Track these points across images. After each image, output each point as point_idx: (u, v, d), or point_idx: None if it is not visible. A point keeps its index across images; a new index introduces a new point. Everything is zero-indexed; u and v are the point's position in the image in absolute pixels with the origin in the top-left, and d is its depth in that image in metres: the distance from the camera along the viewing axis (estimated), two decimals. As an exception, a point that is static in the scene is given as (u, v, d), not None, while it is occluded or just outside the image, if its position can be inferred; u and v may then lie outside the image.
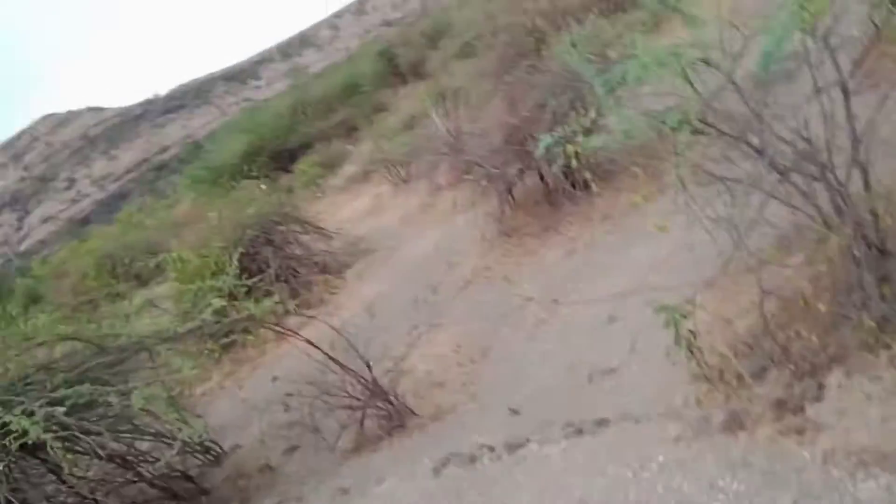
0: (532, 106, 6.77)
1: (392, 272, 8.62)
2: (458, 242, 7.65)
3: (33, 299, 27.33)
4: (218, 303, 4.37)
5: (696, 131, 3.19)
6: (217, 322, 4.49)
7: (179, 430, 4.28)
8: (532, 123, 6.55)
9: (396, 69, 31.35)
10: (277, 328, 4.80)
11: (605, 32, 8.00)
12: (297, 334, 5.04)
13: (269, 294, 8.72)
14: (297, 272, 9.35)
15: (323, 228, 10.51)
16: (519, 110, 6.78)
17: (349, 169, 16.84)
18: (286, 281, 9.19)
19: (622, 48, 6.38)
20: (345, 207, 13.75)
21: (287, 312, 8.95)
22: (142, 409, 3.96)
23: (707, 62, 3.20)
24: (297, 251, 10.01)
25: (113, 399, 4.07)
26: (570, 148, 3.17)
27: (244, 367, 8.31)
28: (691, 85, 3.43)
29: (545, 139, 3.46)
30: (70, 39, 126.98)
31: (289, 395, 4.69)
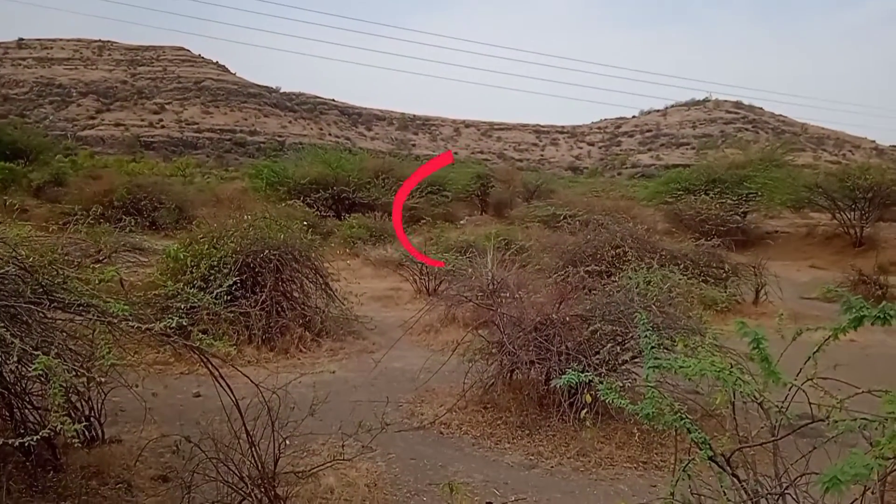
0: (578, 313, 6.60)
1: (362, 370, 8.27)
2: (439, 382, 7.33)
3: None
4: (175, 321, 4.07)
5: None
6: (164, 332, 4.16)
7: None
8: (569, 329, 6.36)
9: (484, 196, 32.39)
10: (212, 364, 4.41)
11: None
12: (232, 376, 4.69)
13: (245, 316, 8.56)
14: (282, 313, 9.05)
15: (330, 288, 10.28)
16: (563, 310, 6.59)
17: (390, 250, 16.83)
18: (268, 312, 8.91)
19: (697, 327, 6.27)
20: (364, 282, 13.58)
21: (250, 342, 8.69)
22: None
23: (760, 403, 3.02)
24: (296, 293, 9.77)
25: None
26: (587, 396, 2.97)
27: (181, 362, 7.92)
28: (733, 411, 3.24)
29: (570, 376, 3.23)
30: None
31: (186, 438, 4.27)
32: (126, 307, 4.40)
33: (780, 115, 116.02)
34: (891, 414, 2.69)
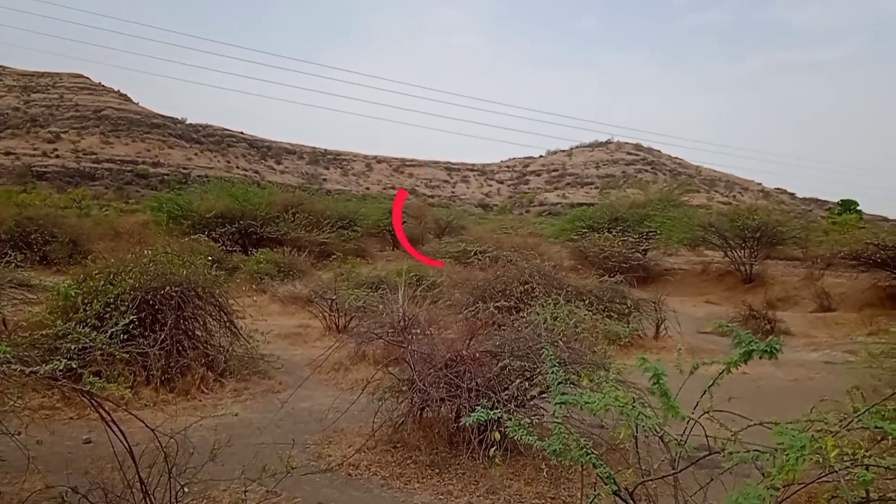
0: (487, 349, 6.65)
1: (267, 411, 7.99)
2: (348, 422, 7.17)
3: None
4: (64, 363, 3.82)
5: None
6: (50, 374, 3.90)
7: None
8: (479, 365, 6.38)
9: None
10: (104, 408, 4.16)
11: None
12: (127, 420, 4.43)
13: (143, 356, 8.13)
14: (183, 352, 8.65)
15: (235, 326, 9.94)
16: (473, 346, 6.62)
17: (299, 286, 16.50)
18: (168, 352, 8.49)
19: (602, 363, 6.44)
20: (271, 319, 13.23)
21: (148, 383, 8.24)
22: None
23: (661, 437, 3.12)
24: (198, 332, 9.38)
25: None
26: (496, 434, 2.99)
27: (71, 407, 7.40)
28: (636, 445, 3.33)
29: (479, 413, 3.24)
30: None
31: (73, 488, 3.98)
32: (7, 349, 4.10)
33: (677, 158, 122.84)
34: (780, 445, 2.83)
